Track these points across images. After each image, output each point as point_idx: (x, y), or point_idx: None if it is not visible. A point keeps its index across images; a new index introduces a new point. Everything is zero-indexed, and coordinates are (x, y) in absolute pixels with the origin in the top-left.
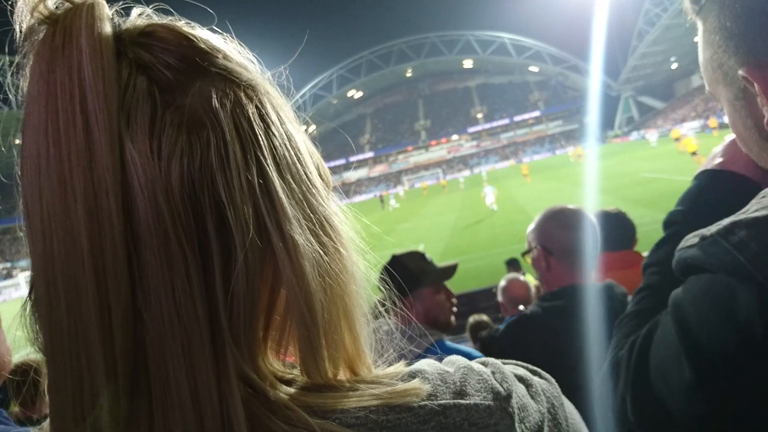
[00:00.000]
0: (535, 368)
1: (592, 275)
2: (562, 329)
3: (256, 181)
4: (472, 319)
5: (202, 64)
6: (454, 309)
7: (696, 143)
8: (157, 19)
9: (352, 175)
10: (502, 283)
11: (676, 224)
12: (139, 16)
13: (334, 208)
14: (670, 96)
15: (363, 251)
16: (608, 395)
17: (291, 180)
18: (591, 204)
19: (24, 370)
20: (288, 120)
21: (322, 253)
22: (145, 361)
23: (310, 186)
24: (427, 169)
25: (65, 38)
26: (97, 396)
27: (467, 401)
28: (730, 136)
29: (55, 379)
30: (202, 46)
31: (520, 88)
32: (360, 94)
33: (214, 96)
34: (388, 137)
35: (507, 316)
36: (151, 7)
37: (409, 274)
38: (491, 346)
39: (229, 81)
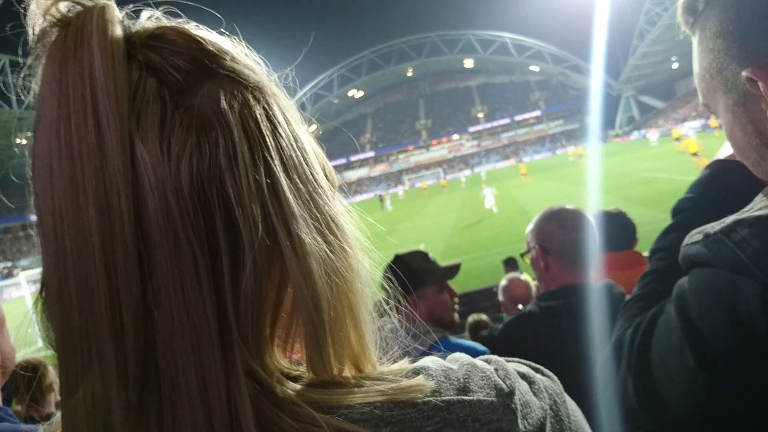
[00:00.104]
0: (537, 366)
1: (591, 275)
2: (560, 329)
3: (263, 180)
4: (471, 318)
5: (211, 66)
6: (456, 308)
7: (698, 144)
8: (167, 21)
9: (353, 175)
10: (503, 282)
11: (686, 211)
12: (149, 19)
13: (340, 207)
14: (671, 95)
15: (368, 250)
16: (609, 380)
17: (298, 180)
18: (592, 203)
19: (33, 367)
20: (294, 121)
21: (328, 251)
22: (155, 359)
23: (317, 186)
24: (428, 168)
25: (77, 41)
26: (107, 393)
27: (471, 397)
28: None
29: (66, 376)
30: (211, 48)
31: (521, 88)
32: (361, 93)
33: (223, 97)
34: (388, 137)
35: (508, 316)
36: (160, 10)
37: (412, 274)
38: (490, 345)
39: (237, 83)
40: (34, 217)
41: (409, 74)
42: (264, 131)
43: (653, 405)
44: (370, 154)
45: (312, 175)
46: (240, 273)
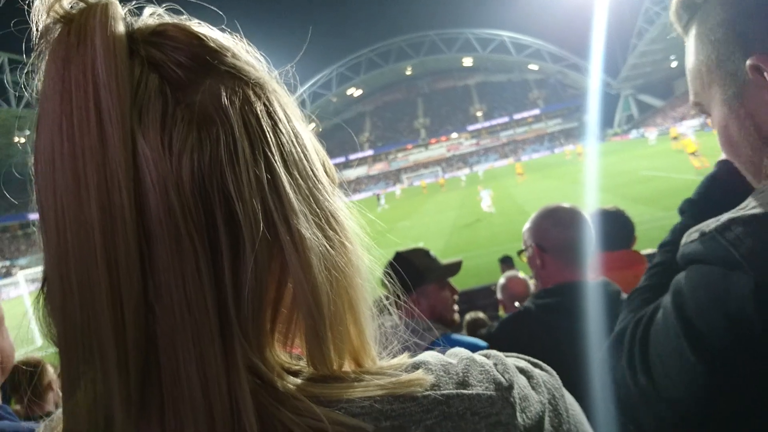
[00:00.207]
0: (536, 361)
1: (587, 273)
2: (556, 326)
3: (264, 176)
4: (468, 316)
5: (212, 63)
6: (456, 306)
7: (695, 143)
8: (169, 18)
9: (351, 173)
10: (502, 280)
11: (688, 212)
12: (151, 16)
13: (340, 203)
14: (669, 94)
15: (368, 246)
16: (606, 376)
17: (298, 176)
18: (590, 202)
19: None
20: (294, 117)
21: (328, 246)
22: (156, 354)
23: (317, 182)
24: (427, 167)
25: (80, 37)
26: (108, 388)
27: (470, 391)
28: None
29: (67, 371)
30: (212, 44)
31: (520, 86)
32: (359, 92)
33: (224, 93)
34: (387, 135)
35: (507, 314)
36: (162, 6)
37: (414, 271)
38: (487, 342)
39: (238, 79)
40: (33, 216)
41: (408, 73)
42: (264, 127)
43: (652, 399)
44: (369, 152)
45: (312, 171)
46: (240, 268)
